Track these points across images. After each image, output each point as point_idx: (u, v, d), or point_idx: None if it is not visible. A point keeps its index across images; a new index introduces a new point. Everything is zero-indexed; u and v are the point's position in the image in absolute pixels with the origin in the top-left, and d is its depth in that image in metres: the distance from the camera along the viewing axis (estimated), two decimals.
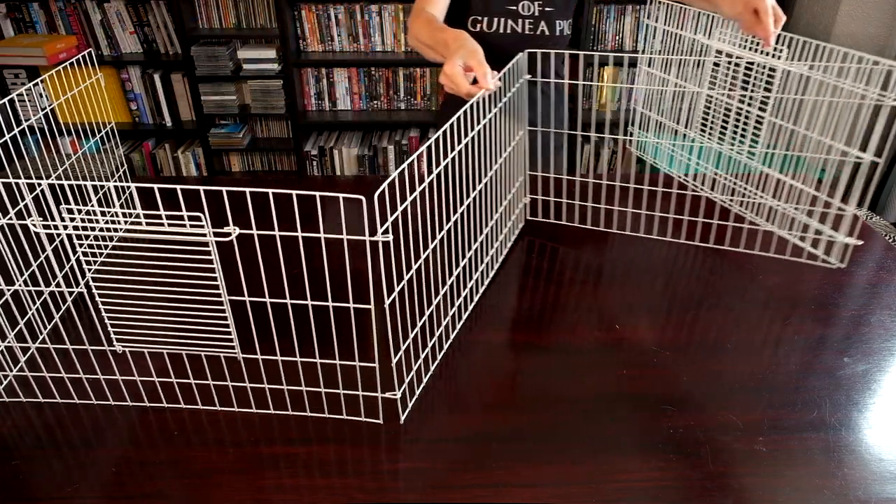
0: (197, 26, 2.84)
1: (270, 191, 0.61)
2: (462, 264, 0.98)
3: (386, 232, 0.64)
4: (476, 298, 1.05)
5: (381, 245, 0.61)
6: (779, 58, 1.09)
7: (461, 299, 0.99)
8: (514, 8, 1.30)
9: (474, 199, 0.94)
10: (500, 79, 0.96)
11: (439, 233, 0.86)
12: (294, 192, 0.57)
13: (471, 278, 1.02)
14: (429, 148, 0.76)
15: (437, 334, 0.94)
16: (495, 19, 1.29)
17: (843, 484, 0.74)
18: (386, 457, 0.78)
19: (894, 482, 0.75)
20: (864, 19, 2.47)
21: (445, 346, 0.94)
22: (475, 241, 1.01)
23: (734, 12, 1.08)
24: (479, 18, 1.29)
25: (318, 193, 0.63)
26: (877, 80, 0.98)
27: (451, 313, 0.97)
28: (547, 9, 1.31)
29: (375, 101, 3.02)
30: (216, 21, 2.86)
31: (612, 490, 0.74)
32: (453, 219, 0.87)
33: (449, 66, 0.94)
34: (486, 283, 1.09)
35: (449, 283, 0.95)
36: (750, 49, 1.15)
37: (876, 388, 0.89)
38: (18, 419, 0.83)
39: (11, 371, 0.88)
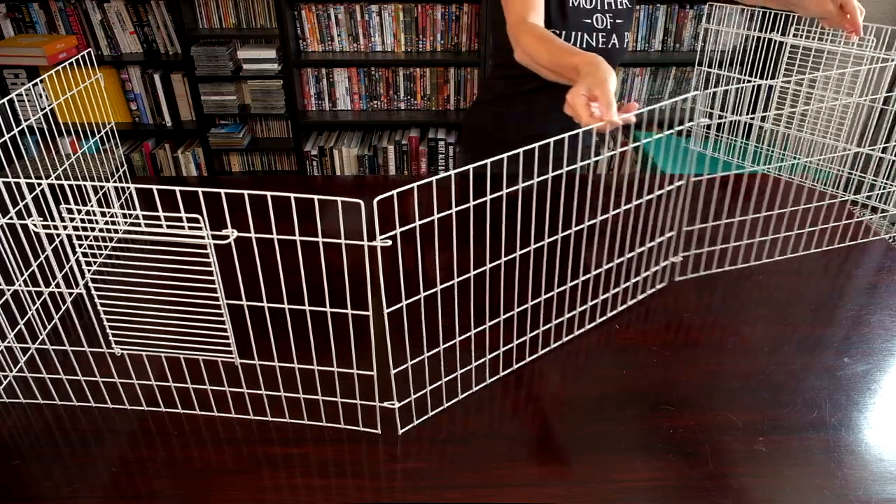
0: (197, 26, 2.84)
1: (269, 193, 0.61)
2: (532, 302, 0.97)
3: (387, 237, 0.64)
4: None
5: (379, 250, 0.61)
6: (867, 47, 1.12)
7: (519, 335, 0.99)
8: (590, 21, 1.29)
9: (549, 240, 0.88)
10: (635, 115, 0.85)
11: (492, 260, 0.83)
12: (293, 196, 0.57)
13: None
14: (490, 170, 0.70)
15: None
16: (573, 33, 1.28)
17: (843, 484, 0.74)
18: (384, 457, 0.78)
19: (894, 482, 0.75)
20: (864, 19, 2.46)
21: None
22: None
23: (822, 10, 1.11)
24: (558, 32, 1.27)
25: (316, 197, 0.63)
26: None
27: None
28: (617, 21, 1.31)
29: (375, 101, 3.02)
30: (216, 21, 2.86)
31: (612, 490, 0.74)
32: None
33: (572, 94, 0.87)
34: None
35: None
36: (833, 41, 1.17)
37: (876, 388, 0.88)
38: (18, 420, 0.83)
39: (11, 371, 0.88)
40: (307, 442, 0.80)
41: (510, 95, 1.39)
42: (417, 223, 0.66)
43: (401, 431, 0.81)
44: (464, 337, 0.92)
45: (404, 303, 0.70)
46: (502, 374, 0.91)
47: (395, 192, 0.62)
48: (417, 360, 0.85)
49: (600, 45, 1.31)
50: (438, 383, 0.88)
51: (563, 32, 1.27)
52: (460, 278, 0.83)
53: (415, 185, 0.63)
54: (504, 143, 1.41)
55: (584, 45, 1.29)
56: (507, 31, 1.16)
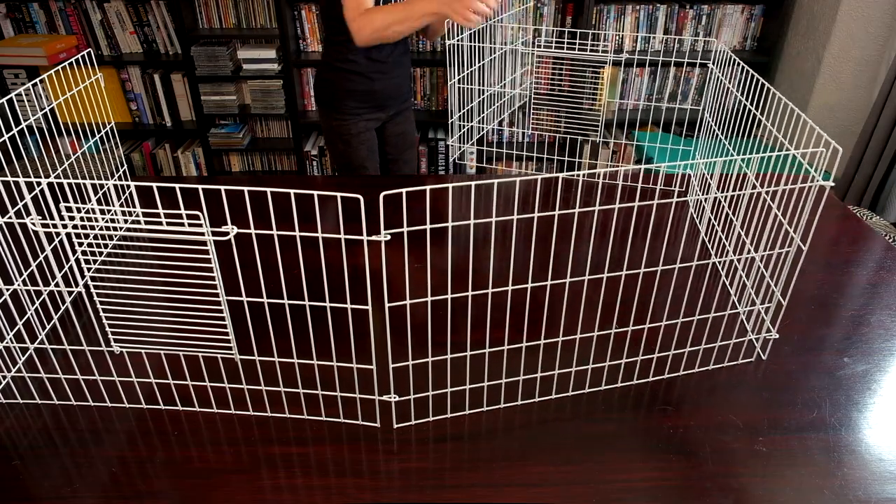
0: (197, 26, 2.84)
1: (269, 189, 0.61)
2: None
3: (388, 233, 0.64)
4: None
5: (382, 245, 0.61)
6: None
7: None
8: None
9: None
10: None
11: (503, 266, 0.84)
12: (292, 192, 0.57)
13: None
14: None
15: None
16: None
17: (843, 484, 0.74)
18: (384, 457, 0.78)
19: (894, 482, 0.75)
20: (864, 19, 2.47)
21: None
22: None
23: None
24: None
25: (316, 193, 0.63)
26: None
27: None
28: None
29: None
30: (216, 21, 2.86)
31: (612, 490, 0.74)
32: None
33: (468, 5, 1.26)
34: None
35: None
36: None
37: (876, 388, 0.88)
38: (16, 420, 0.83)
39: (10, 372, 0.88)
40: (307, 441, 0.80)
41: (349, 57, 1.62)
42: (428, 226, 0.66)
43: (399, 426, 0.81)
44: (467, 338, 0.92)
45: (408, 301, 0.70)
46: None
47: (403, 190, 0.62)
48: (419, 358, 0.84)
49: None
50: (439, 382, 0.88)
51: None
52: (474, 292, 0.83)
53: (427, 187, 0.63)
54: (350, 93, 1.67)
55: None
56: (350, 23, 1.43)
